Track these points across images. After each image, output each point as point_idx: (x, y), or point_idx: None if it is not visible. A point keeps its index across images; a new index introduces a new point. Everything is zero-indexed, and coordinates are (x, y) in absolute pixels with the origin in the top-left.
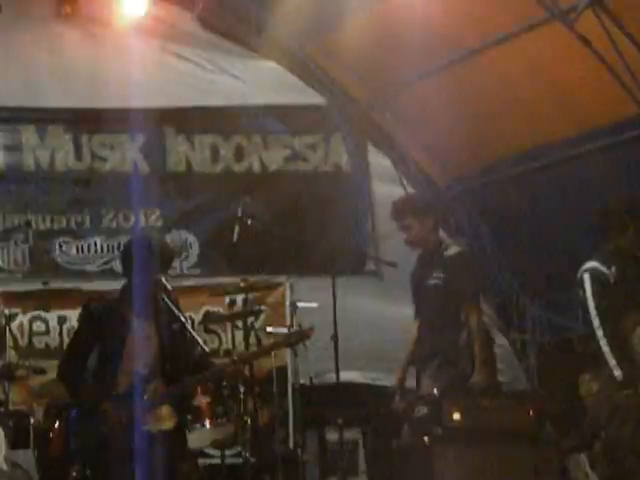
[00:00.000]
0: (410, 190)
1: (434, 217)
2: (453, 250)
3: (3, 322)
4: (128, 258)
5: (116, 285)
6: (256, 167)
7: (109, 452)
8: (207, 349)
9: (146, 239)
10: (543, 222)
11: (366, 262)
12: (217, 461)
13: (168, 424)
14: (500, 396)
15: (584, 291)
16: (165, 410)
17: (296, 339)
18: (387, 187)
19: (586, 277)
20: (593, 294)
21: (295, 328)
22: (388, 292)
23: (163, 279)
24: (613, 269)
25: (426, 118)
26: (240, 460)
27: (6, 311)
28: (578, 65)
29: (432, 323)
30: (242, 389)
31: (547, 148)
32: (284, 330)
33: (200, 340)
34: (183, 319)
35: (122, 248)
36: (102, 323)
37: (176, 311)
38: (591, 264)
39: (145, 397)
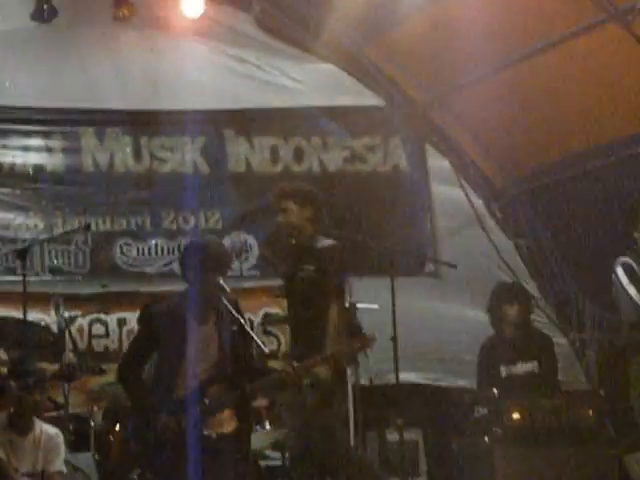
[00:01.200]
0: (470, 192)
1: (314, 208)
2: (325, 243)
3: (63, 325)
4: (187, 261)
5: (176, 287)
6: (315, 168)
7: (169, 457)
8: (267, 351)
9: (203, 242)
10: (602, 222)
11: (425, 263)
12: (277, 463)
13: (228, 428)
14: (560, 395)
15: (621, 283)
16: (226, 414)
17: (357, 348)
18: (446, 188)
19: (619, 270)
20: (630, 282)
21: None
22: (447, 293)
23: (221, 281)
24: None
25: (484, 119)
26: None
27: (66, 314)
28: (635, 65)
29: (303, 318)
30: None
31: (606, 148)
32: None
33: (260, 342)
34: (243, 321)
35: (181, 252)
36: (163, 326)
37: (235, 313)
38: (623, 259)
39: (206, 401)
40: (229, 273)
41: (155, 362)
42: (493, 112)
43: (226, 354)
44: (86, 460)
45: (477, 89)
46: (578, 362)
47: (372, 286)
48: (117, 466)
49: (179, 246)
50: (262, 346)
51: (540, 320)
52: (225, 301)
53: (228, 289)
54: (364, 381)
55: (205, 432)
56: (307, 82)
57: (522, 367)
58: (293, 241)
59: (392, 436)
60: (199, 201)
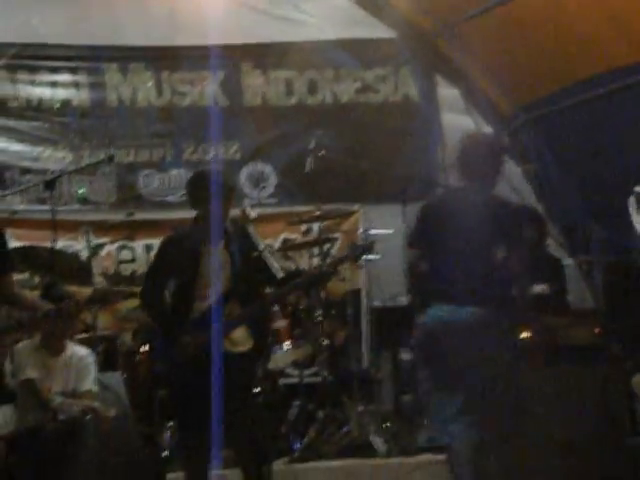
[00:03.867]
0: (479, 120)
1: None
2: None
3: (92, 251)
4: (192, 191)
5: None
6: (328, 99)
7: (190, 376)
8: (281, 274)
9: (206, 172)
10: (607, 147)
11: (437, 190)
12: (296, 380)
13: (244, 347)
14: (567, 315)
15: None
16: (241, 333)
17: (360, 252)
18: (456, 117)
19: (632, 200)
20: (637, 214)
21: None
22: None
23: (248, 208)
24: None
25: (492, 49)
26: (318, 379)
27: (94, 241)
28: None
29: None
30: (319, 312)
31: (610, 75)
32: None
33: (276, 266)
34: (261, 246)
35: (189, 181)
36: (177, 252)
37: (254, 238)
38: (638, 188)
39: (221, 321)
40: (249, 202)
41: (173, 286)
42: (500, 41)
43: (240, 275)
44: (114, 379)
45: (484, 19)
46: (584, 282)
47: (385, 212)
48: (144, 385)
49: None
50: (275, 269)
51: (548, 242)
52: (245, 225)
53: (252, 215)
54: (378, 303)
55: (222, 351)
56: (320, 16)
57: (533, 289)
58: None
59: (405, 355)
60: (218, 133)
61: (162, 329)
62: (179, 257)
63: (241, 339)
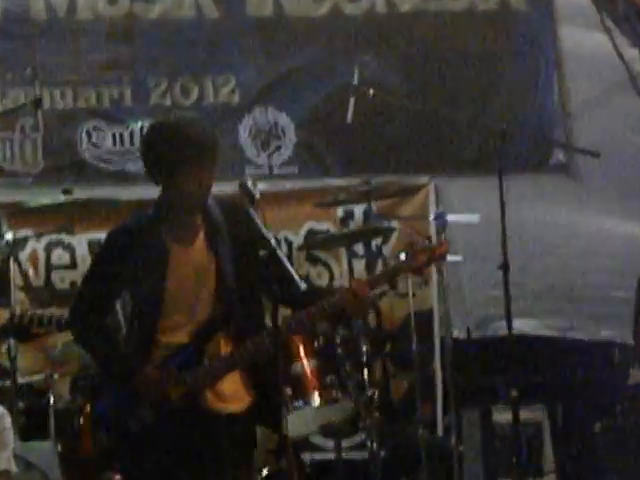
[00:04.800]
0: (619, 38)
1: None
2: None
3: (7, 250)
4: (153, 153)
5: None
6: (380, 8)
7: (156, 452)
8: (303, 286)
9: (173, 122)
10: None
11: (552, 152)
12: (330, 456)
13: (239, 404)
14: None
15: None
16: (234, 382)
17: (424, 260)
18: (582, 34)
19: None
20: None
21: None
22: (586, 196)
23: (249, 183)
24: None
25: None
26: (364, 454)
27: (9, 235)
28: None
29: None
30: (365, 347)
31: None
32: None
33: (295, 275)
34: (272, 243)
35: (144, 139)
36: (130, 254)
37: (258, 230)
38: None
39: (204, 364)
40: (255, 171)
41: (126, 307)
42: None
43: (231, 292)
44: (44, 452)
45: None
46: None
47: (470, 188)
48: (89, 461)
49: None
50: (296, 277)
51: None
52: (227, 212)
53: (257, 195)
54: (459, 333)
55: (205, 410)
56: None
57: None
58: None
59: (502, 415)
60: (205, 62)
61: (108, 376)
62: (135, 261)
63: (234, 392)
